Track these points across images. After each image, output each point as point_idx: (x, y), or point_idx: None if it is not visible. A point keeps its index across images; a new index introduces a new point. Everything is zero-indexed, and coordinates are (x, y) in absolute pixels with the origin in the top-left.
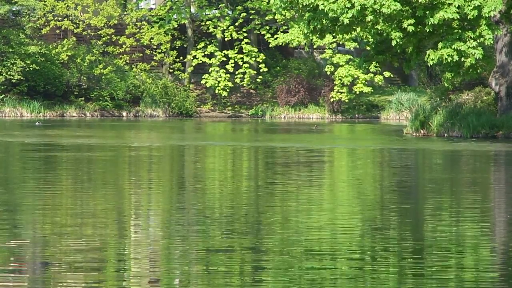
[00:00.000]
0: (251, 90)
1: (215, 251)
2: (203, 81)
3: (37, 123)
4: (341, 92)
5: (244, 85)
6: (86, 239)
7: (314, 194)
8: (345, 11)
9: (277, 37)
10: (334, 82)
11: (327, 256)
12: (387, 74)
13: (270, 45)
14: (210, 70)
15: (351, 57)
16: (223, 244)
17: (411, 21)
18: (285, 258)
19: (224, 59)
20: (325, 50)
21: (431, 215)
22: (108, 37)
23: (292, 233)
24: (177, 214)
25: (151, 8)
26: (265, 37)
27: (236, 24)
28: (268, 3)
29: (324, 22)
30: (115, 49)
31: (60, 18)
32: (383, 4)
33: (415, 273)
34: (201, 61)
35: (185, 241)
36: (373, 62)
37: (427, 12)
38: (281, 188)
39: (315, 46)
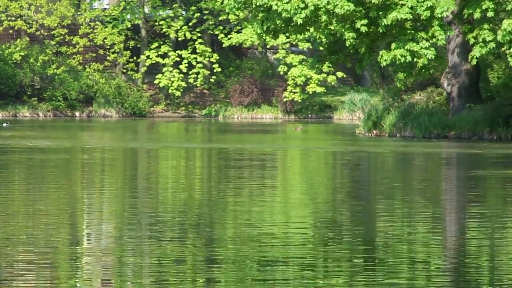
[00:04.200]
0: (205, 90)
1: (167, 258)
2: (156, 81)
3: (5, 124)
4: (294, 92)
5: (198, 85)
6: (37, 243)
7: (267, 196)
8: (299, 12)
9: (230, 37)
10: (287, 82)
11: (280, 261)
12: (340, 74)
13: (224, 45)
14: (163, 70)
15: (304, 57)
16: (175, 252)
17: (364, 21)
18: (238, 267)
19: (178, 59)
20: (278, 50)
21: (382, 215)
22: (62, 37)
23: (245, 241)
24: (129, 220)
25: (105, 8)
26: (219, 37)
27: (190, 24)
28: (221, 3)
29: (278, 22)
30: (68, 49)
31: (13, 18)
32: (337, 5)
33: (367, 280)
34: (154, 61)
35: (136, 250)
36: (326, 63)
37: (380, 13)
38: (233, 192)
39: (268, 46)
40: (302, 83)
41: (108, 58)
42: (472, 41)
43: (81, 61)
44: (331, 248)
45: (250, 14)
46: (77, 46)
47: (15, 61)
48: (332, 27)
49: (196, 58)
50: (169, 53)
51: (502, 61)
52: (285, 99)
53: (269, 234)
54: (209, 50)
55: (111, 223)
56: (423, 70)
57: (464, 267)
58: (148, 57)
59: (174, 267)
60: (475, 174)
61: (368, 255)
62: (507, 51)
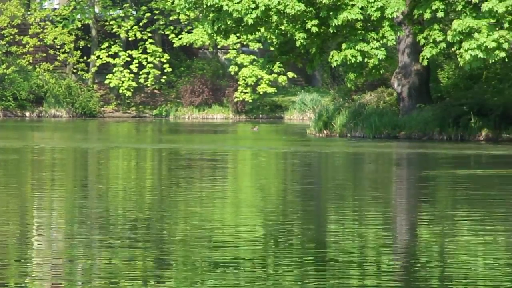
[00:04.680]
0: (155, 90)
1: (117, 258)
2: (107, 81)
3: None
4: (245, 93)
5: (148, 85)
6: None
7: (218, 197)
8: (249, 12)
9: (181, 37)
10: (238, 83)
11: (231, 262)
12: (290, 74)
13: (174, 45)
14: (114, 70)
15: (255, 57)
16: (125, 253)
17: (315, 22)
18: (188, 268)
19: (128, 59)
20: (229, 50)
21: (333, 216)
22: (11, 37)
23: (196, 242)
24: (79, 220)
25: (55, 8)
26: (169, 37)
27: (140, 24)
28: (172, 3)
29: (229, 22)
30: (18, 49)
31: None
32: (287, 5)
33: (318, 281)
34: (105, 61)
35: (86, 250)
36: (277, 63)
37: (331, 13)
38: (184, 192)
39: (219, 47)
40: (253, 83)
41: (58, 58)
42: (422, 41)
43: (31, 61)
44: (282, 249)
45: (201, 14)
46: (27, 46)
47: None
48: (282, 28)
49: (146, 58)
50: (120, 53)
51: (452, 62)
52: (236, 99)
53: (220, 234)
54: (160, 50)
55: (61, 223)
56: (374, 71)
57: (414, 268)
58: (98, 57)
59: (124, 268)
60: (426, 174)
61: (319, 256)
62: (457, 52)
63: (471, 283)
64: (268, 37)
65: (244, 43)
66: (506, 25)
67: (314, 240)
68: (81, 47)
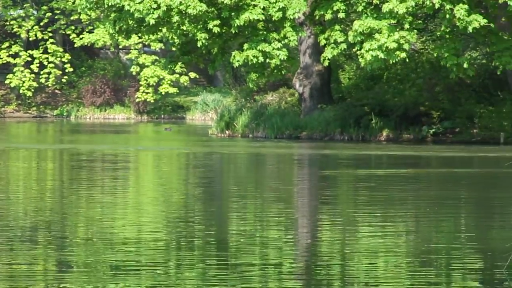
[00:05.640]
0: (57, 91)
1: (17, 261)
2: (7, 81)
3: None
4: (147, 93)
5: (49, 85)
6: None
7: (119, 198)
8: (151, 12)
9: (82, 37)
10: (140, 83)
11: (132, 265)
12: (192, 75)
13: (76, 45)
14: (14, 70)
15: (157, 57)
16: (26, 256)
17: (217, 22)
18: (90, 271)
19: (29, 59)
20: (131, 50)
21: (235, 217)
22: None
23: (97, 244)
24: None
25: None
26: (71, 37)
27: (41, 24)
28: (73, 3)
29: (130, 22)
30: None
31: None
32: (189, 5)
33: (220, 283)
34: (5, 61)
35: None
36: (179, 63)
37: (233, 14)
38: (85, 194)
39: (121, 47)
40: (154, 84)
41: None
42: (323, 42)
43: None
44: (184, 251)
45: (102, 14)
46: None
47: None
48: (184, 28)
49: (47, 58)
50: (20, 53)
51: (353, 62)
52: (137, 100)
53: (121, 237)
54: (61, 50)
55: None
56: (275, 71)
57: (316, 270)
58: None
59: (25, 271)
60: (327, 175)
61: (220, 258)
62: (358, 52)
63: (372, 285)
64: (170, 37)
65: (146, 43)
66: (406, 26)
67: (216, 241)
68: None
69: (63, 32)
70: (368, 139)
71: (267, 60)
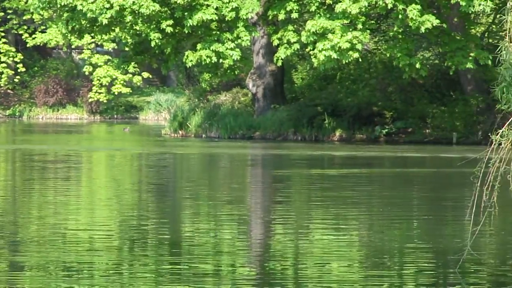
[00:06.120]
0: (9, 91)
1: None
2: None
3: None
4: (100, 93)
5: (2, 85)
6: None
7: (72, 198)
8: (104, 12)
9: (35, 37)
10: (93, 83)
11: (85, 267)
12: (145, 74)
13: (28, 45)
14: None
15: (110, 57)
16: None
17: (170, 22)
18: (42, 272)
19: None
20: (83, 50)
21: (188, 217)
22: None
23: (49, 245)
24: None
25: None
26: (23, 37)
27: None
28: (26, 3)
29: (83, 22)
30: None
31: None
32: (142, 5)
33: (173, 285)
34: None
35: None
36: (132, 63)
37: (186, 13)
38: (38, 194)
39: (73, 47)
40: (107, 84)
41: None
42: (276, 42)
43: None
44: (137, 252)
45: (55, 14)
46: None
47: None
48: (137, 28)
49: None
50: None
51: (306, 62)
52: (90, 100)
53: (74, 237)
54: (13, 49)
55: None
56: (229, 71)
57: (269, 270)
58: None
59: None
60: (280, 174)
61: (174, 259)
62: (311, 52)
63: (325, 286)
64: (123, 37)
65: (99, 43)
66: (359, 26)
67: (169, 243)
68: None
69: (16, 32)
70: (321, 139)
71: (220, 60)
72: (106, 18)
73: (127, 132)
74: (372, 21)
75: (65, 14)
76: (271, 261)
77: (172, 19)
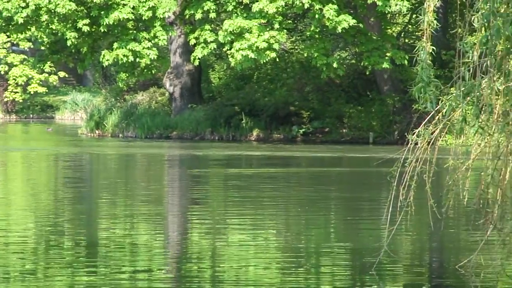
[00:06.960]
0: None
1: None
2: None
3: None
4: (15, 92)
5: None
6: None
7: None
8: (20, 11)
9: None
10: (8, 82)
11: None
12: (62, 74)
13: None
14: None
15: (26, 57)
16: None
17: (86, 21)
18: None
19: None
20: None
21: (105, 218)
22: None
23: None
24: None
25: None
26: None
27: None
28: None
29: None
30: None
31: None
32: (58, 4)
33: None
34: None
35: None
36: (48, 62)
37: (102, 12)
38: None
39: None
40: (23, 83)
41: None
42: (193, 41)
43: None
44: (52, 255)
45: None
46: None
47: None
48: (53, 27)
49: None
50: None
51: (224, 62)
52: (6, 99)
53: None
54: None
55: None
56: (146, 70)
57: (185, 272)
58: None
59: None
60: (197, 174)
61: (88, 260)
62: (228, 52)
63: (242, 286)
64: (38, 36)
65: (14, 42)
66: (276, 25)
67: (85, 243)
68: None
69: None
70: (239, 138)
71: (137, 60)
72: (21, 17)
73: (50, 131)
74: (289, 21)
75: None
76: (188, 263)
77: (88, 18)
